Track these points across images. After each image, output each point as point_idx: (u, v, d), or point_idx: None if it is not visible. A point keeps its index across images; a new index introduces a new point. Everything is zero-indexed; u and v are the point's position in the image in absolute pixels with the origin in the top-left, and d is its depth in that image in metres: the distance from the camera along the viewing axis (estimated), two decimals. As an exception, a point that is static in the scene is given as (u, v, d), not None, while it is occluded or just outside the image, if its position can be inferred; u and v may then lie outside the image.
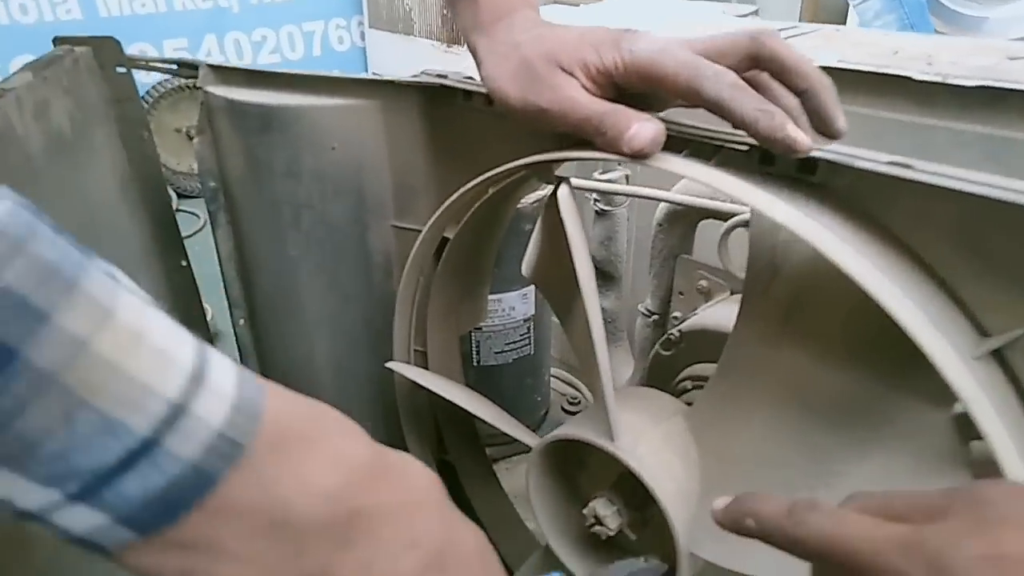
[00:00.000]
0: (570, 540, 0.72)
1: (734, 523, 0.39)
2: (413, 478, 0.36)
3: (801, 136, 0.48)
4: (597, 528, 0.65)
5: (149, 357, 0.25)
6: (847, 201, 0.52)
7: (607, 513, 0.64)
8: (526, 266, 0.81)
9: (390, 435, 0.98)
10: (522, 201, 1.04)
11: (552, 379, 1.33)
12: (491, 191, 0.74)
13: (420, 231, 0.79)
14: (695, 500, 0.61)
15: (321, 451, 0.31)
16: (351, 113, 0.79)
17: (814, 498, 0.34)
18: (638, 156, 0.51)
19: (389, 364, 0.84)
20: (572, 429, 0.64)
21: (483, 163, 0.67)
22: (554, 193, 0.64)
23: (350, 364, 0.94)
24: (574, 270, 0.61)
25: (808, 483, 0.56)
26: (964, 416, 0.49)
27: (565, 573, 0.69)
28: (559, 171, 0.64)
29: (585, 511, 0.66)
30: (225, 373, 0.28)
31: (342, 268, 0.88)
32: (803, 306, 0.60)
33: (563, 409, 1.32)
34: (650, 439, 0.63)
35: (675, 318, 0.92)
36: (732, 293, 0.86)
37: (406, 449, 0.93)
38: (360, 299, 0.90)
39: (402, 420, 0.91)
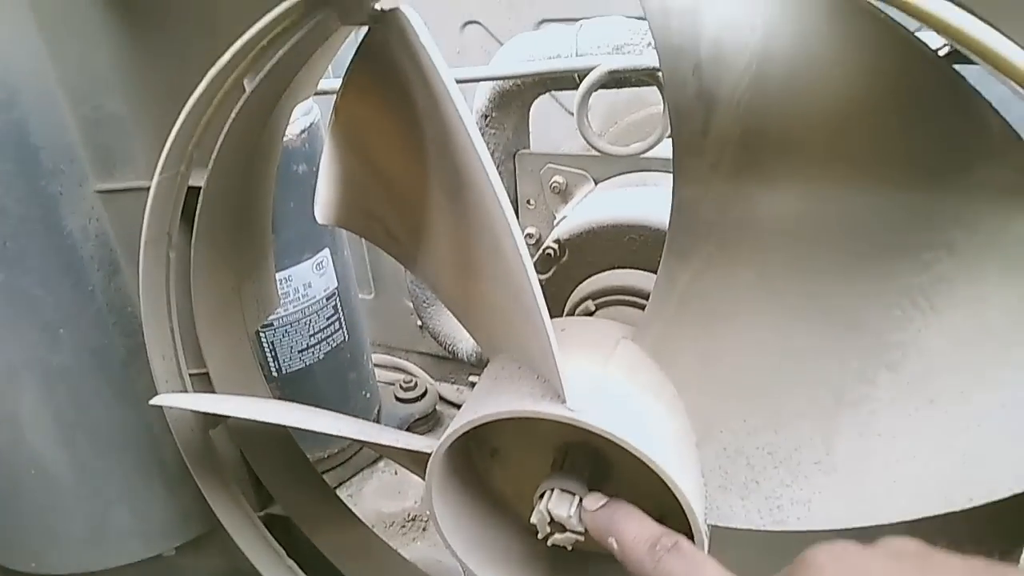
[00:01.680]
0: (507, 566, 0.49)
1: (598, 536, 0.38)
2: None
3: None
4: (558, 537, 0.43)
5: None
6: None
7: (569, 513, 0.42)
8: (322, 206, 0.54)
9: (177, 502, 0.67)
10: (287, 134, 0.76)
11: (376, 370, 1.07)
12: (248, 95, 0.46)
13: (146, 187, 0.50)
14: (693, 448, 0.41)
15: None
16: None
17: (681, 537, 0.35)
18: None
19: (156, 400, 0.54)
20: (491, 405, 0.41)
21: (221, 37, 0.42)
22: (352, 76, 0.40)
23: (84, 419, 0.61)
24: (444, 132, 0.37)
25: (853, 372, 0.38)
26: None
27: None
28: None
29: (534, 519, 0.43)
30: None
31: (28, 279, 0.55)
32: (768, 128, 0.41)
33: (397, 399, 1.07)
34: (608, 385, 0.41)
35: (530, 236, 0.71)
36: (596, 183, 0.67)
37: (210, 515, 0.63)
38: (74, 319, 0.58)
39: (195, 476, 0.61)
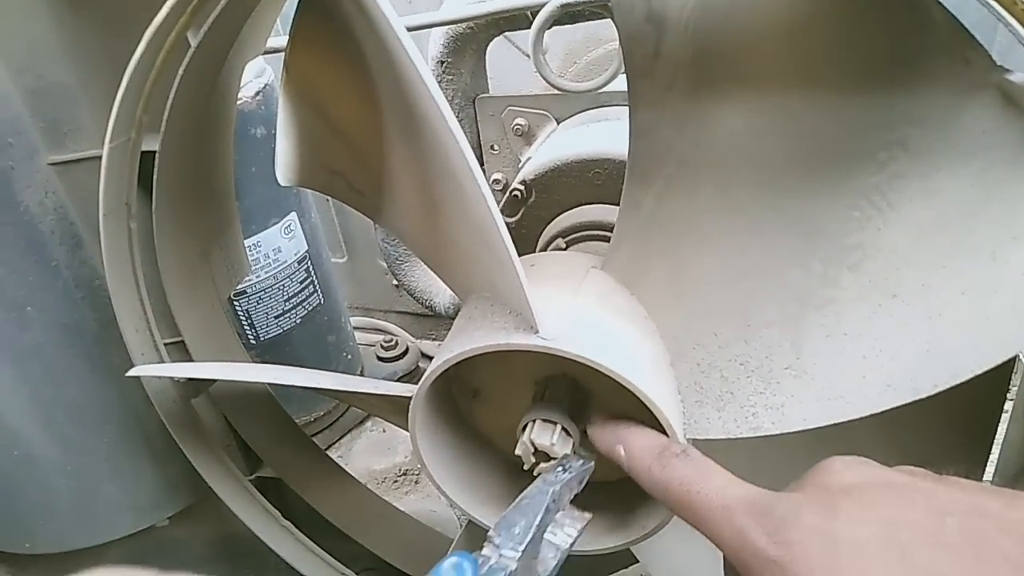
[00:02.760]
0: (495, 502, 0.50)
1: (606, 447, 0.39)
2: None
3: None
4: (543, 466, 0.43)
5: None
6: None
7: (552, 441, 0.43)
8: (283, 166, 0.53)
9: (165, 473, 0.68)
10: (242, 96, 0.75)
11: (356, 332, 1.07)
12: (193, 51, 0.45)
13: (99, 156, 0.49)
14: (668, 367, 0.42)
15: None
16: None
17: (688, 446, 0.35)
18: None
19: (132, 371, 0.53)
20: (467, 343, 0.41)
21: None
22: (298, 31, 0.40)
23: (61, 396, 0.61)
24: (413, 83, 0.37)
25: (817, 275, 0.38)
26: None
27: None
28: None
29: (519, 451, 0.44)
30: None
31: (-11, 258, 0.54)
32: (719, 46, 0.41)
33: (379, 358, 1.08)
34: (580, 314, 0.42)
35: (496, 182, 0.71)
36: (559, 122, 0.67)
37: (200, 483, 0.64)
38: (41, 296, 0.57)
39: (181, 445, 0.61)
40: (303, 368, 0.56)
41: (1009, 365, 0.41)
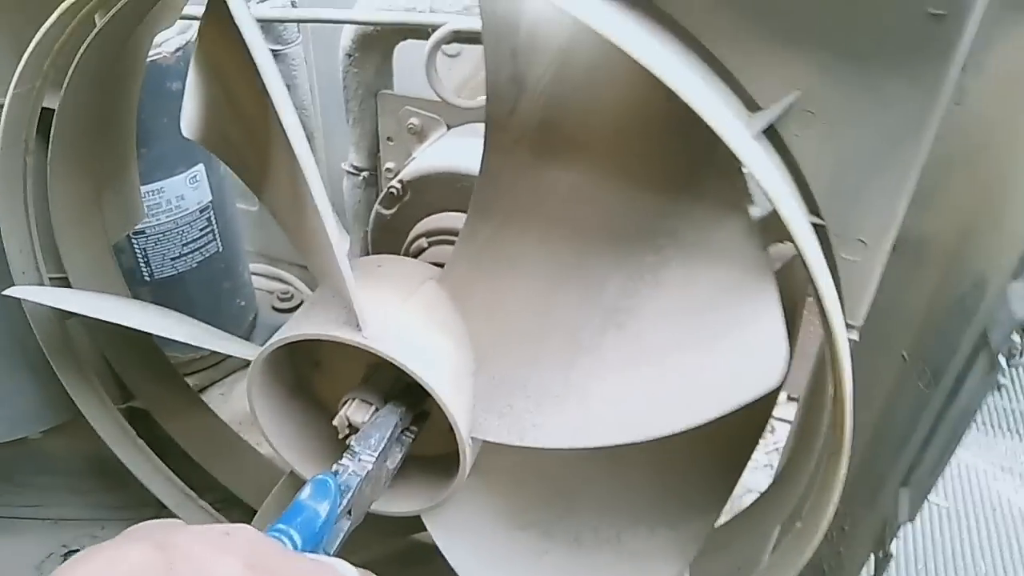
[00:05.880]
0: (320, 461, 0.57)
1: None
2: None
3: None
4: (352, 439, 0.51)
5: None
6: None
7: (363, 419, 0.50)
8: (187, 123, 0.58)
9: (42, 389, 0.72)
10: (161, 51, 0.78)
11: (254, 277, 1.12)
12: (97, 30, 0.50)
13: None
14: (470, 375, 0.50)
15: None
16: None
17: None
18: None
19: (9, 291, 0.58)
20: (303, 326, 0.48)
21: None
22: (210, 9, 0.44)
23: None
24: (270, 103, 0.43)
25: (594, 326, 0.47)
26: (766, 218, 0.42)
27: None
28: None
29: (335, 422, 0.52)
30: None
31: None
32: (561, 121, 0.48)
33: (275, 308, 1.13)
34: (404, 318, 0.49)
35: (388, 170, 0.77)
36: (449, 127, 0.73)
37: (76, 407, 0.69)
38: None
39: (54, 366, 0.66)
40: (194, 314, 0.61)
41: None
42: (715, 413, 0.41)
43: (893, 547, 0.61)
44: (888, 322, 0.58)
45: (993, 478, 0.98)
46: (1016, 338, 0.46)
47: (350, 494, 0.44)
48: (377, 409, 0.51)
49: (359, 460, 0.46)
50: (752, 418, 0.59)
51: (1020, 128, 0.47)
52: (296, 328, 0.49)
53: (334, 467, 0.46)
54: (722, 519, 0.61)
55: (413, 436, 0.52)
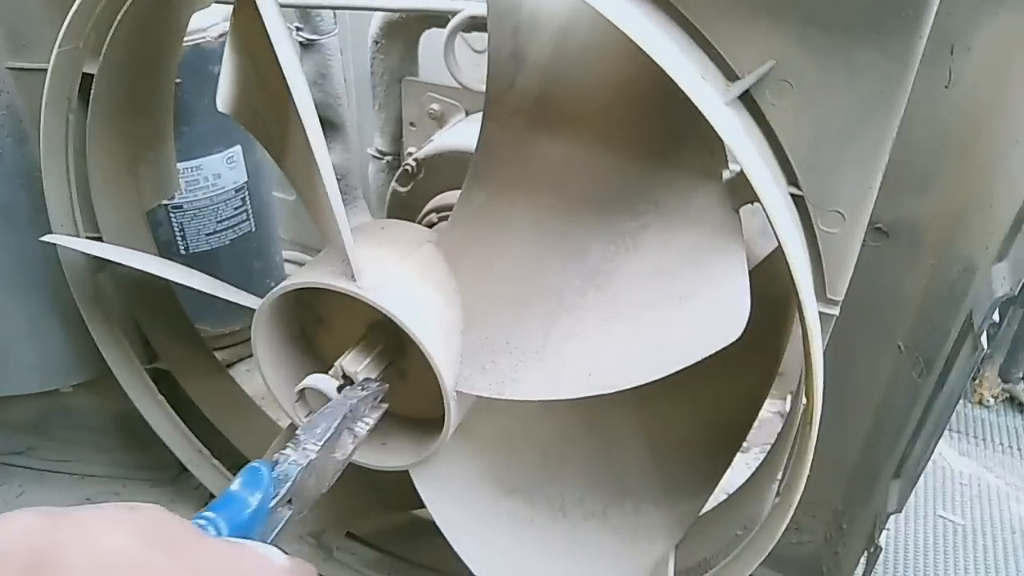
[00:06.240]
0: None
1: None
2: None
3: None
4: (346, 389, 0.53)
5: None
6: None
7: (356, 368, 0.53)
8: (222, 98, 0.63)
9: (76, 344, 0.77)
10: (205, 35, 0.83)
11: (286, 264, 1.16)
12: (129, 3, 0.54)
13: (46, 69, 0.58)
14: (459, 333, 0.52)
15: None
16: None
17: None
18: None
19: (47, 237, 0.62)
20: (303, 275, 0.51)
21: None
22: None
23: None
24: (280, 71, 0.46)
25: (575, 287, 0.48)
26: (735, 179, 0.43)
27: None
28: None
29: (331, 373, 0.54)
30: None
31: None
32: (556, 95, 0.51)
33: (303, 293, 1.17)
34: (399, 274, 0.51)
35: (410, 154, 0.80)
36: (468, 114, 0.76)
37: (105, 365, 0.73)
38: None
39: (85, 319, 0.71)
40: (194, 271, 0.65)
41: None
42: (679, 366, 0.42)
43: (882, 540, 0.61)
44: (888, 313, 0.58)
45: (1016, 501, 0.95)
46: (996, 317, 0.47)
47: (288, 483, 0.41)
48: (371, 362, 0.53)
49: (302, 449, 0.44)
50: (746, 405, 0.60)
51: (1010, 111, 0.47)
52: (296, 278, 0.52)
53: (275, 456, 0.43)
54: (708, 507, 0.62)
55: (370, 425, 0.51)
